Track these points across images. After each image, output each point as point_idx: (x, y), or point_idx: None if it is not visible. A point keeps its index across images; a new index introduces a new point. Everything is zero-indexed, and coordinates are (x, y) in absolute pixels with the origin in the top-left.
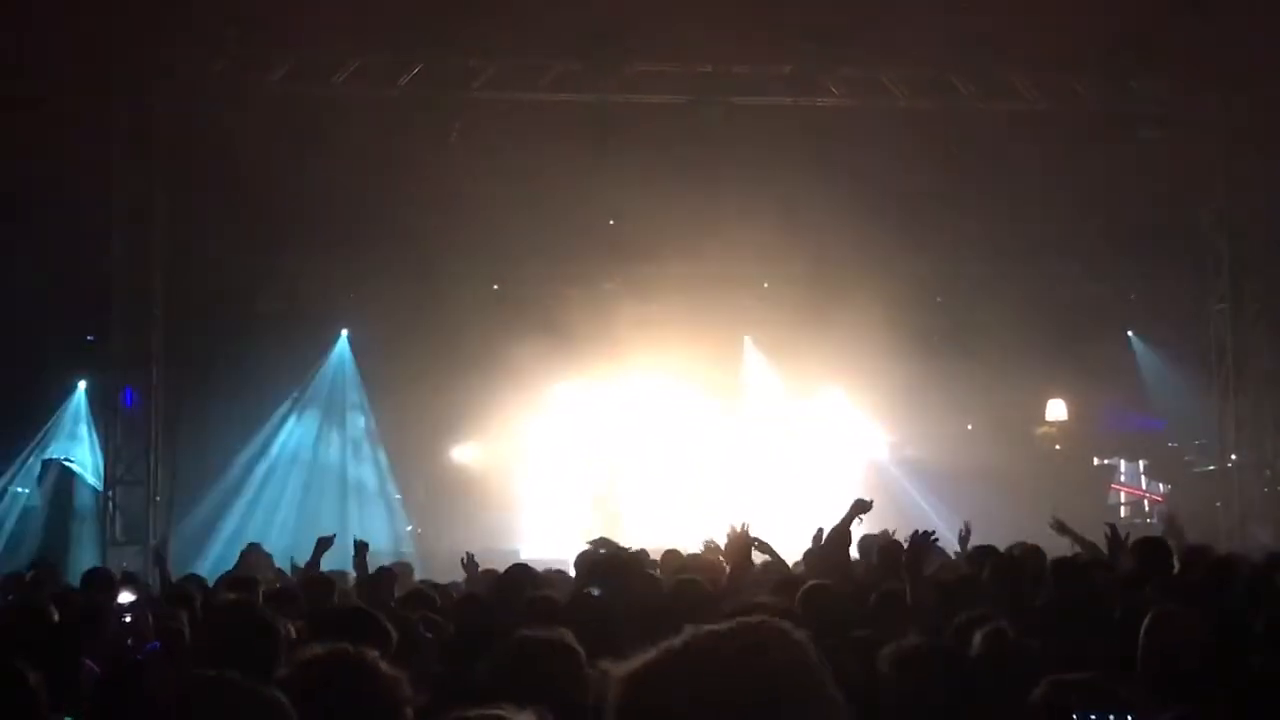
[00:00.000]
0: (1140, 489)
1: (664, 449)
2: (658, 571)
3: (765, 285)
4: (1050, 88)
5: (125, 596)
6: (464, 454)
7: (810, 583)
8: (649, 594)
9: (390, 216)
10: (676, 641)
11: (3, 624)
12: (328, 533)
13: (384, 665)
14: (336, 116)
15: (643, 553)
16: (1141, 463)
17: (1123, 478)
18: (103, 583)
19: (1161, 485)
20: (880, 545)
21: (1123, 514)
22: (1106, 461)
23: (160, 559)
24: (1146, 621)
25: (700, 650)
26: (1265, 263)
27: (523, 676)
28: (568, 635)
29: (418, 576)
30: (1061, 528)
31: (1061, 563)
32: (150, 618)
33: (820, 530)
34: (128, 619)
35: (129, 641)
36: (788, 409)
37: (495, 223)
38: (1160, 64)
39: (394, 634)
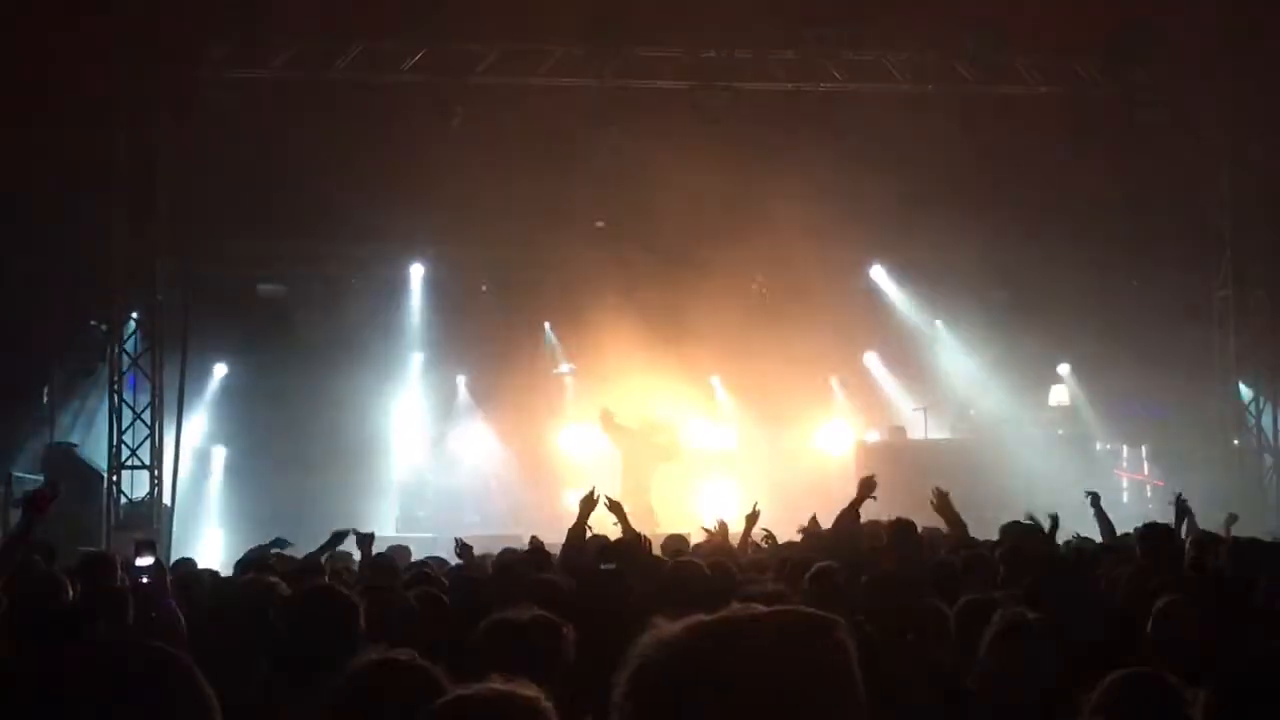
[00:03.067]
0: (1143, 474)
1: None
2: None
3: (757, 284)
4: (1052, 72)
5: (144, 560)
6: (469, 441)
7: (819, 564)
8: (648, 577)
9: (393, 202)
10: (716, 616)
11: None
12: (325, 522)
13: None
14: (339, 102)
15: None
16: (1144, 448)
17: (1125, 463)
18: (103, 567)
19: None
20: (889, 523)
21: (1125, 499)
22: (1109, 447)
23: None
24: (1156, 609)
25: (740, 628)
26: (1268, 249)
27: (499, 658)
28: (541, 614)
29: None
30: (1096, 504)
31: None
32: (168, 580)
33: (814, 516)
34: (145, 580)
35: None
36: (787, 393)
37: (498, 207)
38: (1163, 48)
39: (360, 608)
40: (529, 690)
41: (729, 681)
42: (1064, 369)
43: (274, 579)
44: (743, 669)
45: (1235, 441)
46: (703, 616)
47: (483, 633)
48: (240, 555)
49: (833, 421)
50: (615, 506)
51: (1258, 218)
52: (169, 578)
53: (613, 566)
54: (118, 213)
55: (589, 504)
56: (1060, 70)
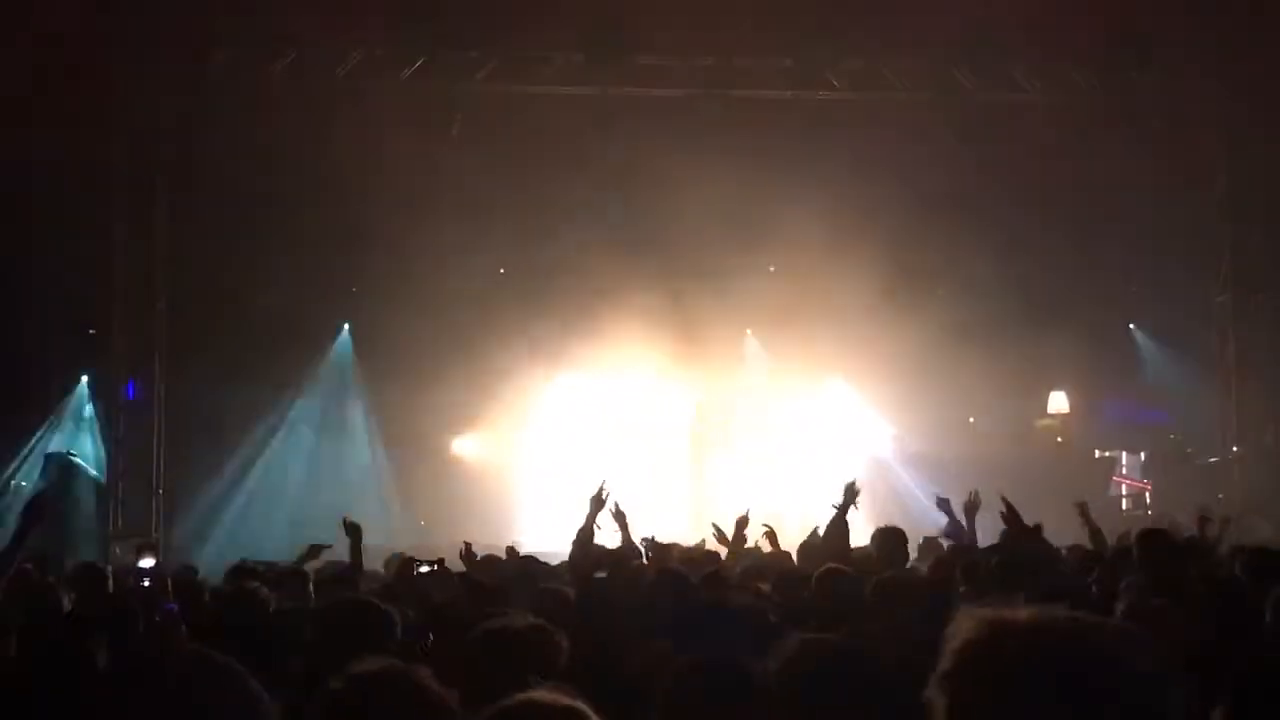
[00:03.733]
0: (1141, 481)
1: (664, 442)
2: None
3: (771, 269)
4: (1051, 79)
5: (145, 562)
6: (466, 447)
7: (827, 565)
8: (632, 586)
9: (393, 210)
10: (1063, 613)
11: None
12: (321, 529)
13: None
14: (339, 109)
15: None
16: (1143, 455)
17: (1124, 470)
18: (94, 578)
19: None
20: (879, 530)
21: (1124, 506)
22: (1108, 454)
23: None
24: (1118, 614)
25: (1087, 628)
26: (1268, 253)
27: (491, 665)
28: (536, 621)
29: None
30: (1083, 513)
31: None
32: (169, 583)
33: (816, 530)
34: (146, 583)
35: (147, 604)
36: (789, 402)
37: (496, 216)
38: (1161, 54)
39: (398, 622)
40: (575, 702)
41: (1075, 676)
42: (1064, 375)
43: (258, 585)
44: (1088, 666)
45: (1235, 448)
46: (1049, 609)
47: (475, 641)
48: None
49: (836, 428)
50: (619, 516)
51: (1258, 222)
52: (169, 581)
53: (603, 574)
54: (117, 218)
55: (598, 503)
56: (1059, 76)
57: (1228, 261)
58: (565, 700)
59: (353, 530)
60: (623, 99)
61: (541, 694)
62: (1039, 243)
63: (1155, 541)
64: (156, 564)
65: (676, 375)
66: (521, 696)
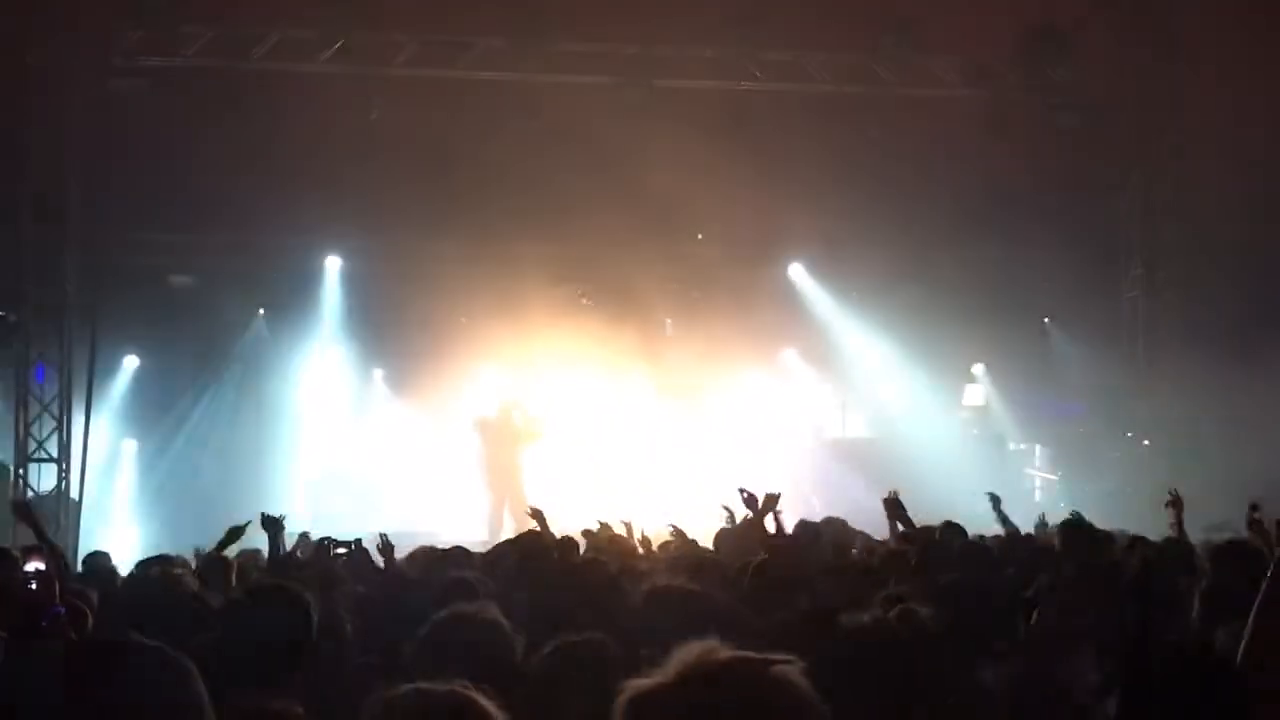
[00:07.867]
0: (1054, 474)
1: (584, 431)
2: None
3: (699, 236)
4: (970, 74)
5: (32, 565)
6: (386, 435)
7: (760, 557)
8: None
9: (310, 193)
10: (684, 666)
11: None
12: (238, 517)
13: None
14: (256, 92)
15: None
16: (1052, 447)
17: (1038, 462)
18: (3, 561)
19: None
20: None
21: (1037, 498)
22: (1022, 446)
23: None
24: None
25: (703, 679)
26: (1178, 250)
27: (451, 653)
28: (492, 610)
29: None
30: (996, 506)
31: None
32: (57, 586)
33: (728, 511)
34: (34, 586)
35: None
36: (710, 392)
37: (418, 200)
38: (1080, 52)
39: (315, 610)
40: (475, 692)
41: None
42: (979, 369)
43: (179, 570)
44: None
45: (1146, 442)
46: (672, 668)
47: (430, 631)
48: (148, 550)
49: (751, 419)
50: (536, 514)
51: (1168, 219)
52: (57, 585)
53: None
54: (27, 201)
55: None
56: (978, 72)
57: (1138, 257)
58: (452, 688)
59: (270, 524)
60: (544, 85)
61: (430, 684)
62: (955, 237)
63: (1076, 532)
64: (47, 568)
65: (596, 366)
66: (408, 686)
